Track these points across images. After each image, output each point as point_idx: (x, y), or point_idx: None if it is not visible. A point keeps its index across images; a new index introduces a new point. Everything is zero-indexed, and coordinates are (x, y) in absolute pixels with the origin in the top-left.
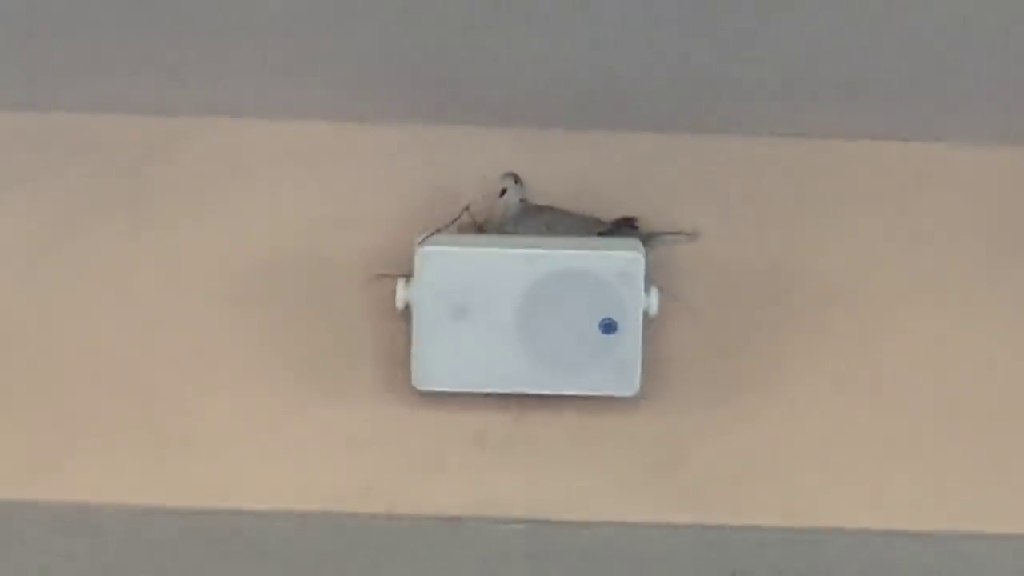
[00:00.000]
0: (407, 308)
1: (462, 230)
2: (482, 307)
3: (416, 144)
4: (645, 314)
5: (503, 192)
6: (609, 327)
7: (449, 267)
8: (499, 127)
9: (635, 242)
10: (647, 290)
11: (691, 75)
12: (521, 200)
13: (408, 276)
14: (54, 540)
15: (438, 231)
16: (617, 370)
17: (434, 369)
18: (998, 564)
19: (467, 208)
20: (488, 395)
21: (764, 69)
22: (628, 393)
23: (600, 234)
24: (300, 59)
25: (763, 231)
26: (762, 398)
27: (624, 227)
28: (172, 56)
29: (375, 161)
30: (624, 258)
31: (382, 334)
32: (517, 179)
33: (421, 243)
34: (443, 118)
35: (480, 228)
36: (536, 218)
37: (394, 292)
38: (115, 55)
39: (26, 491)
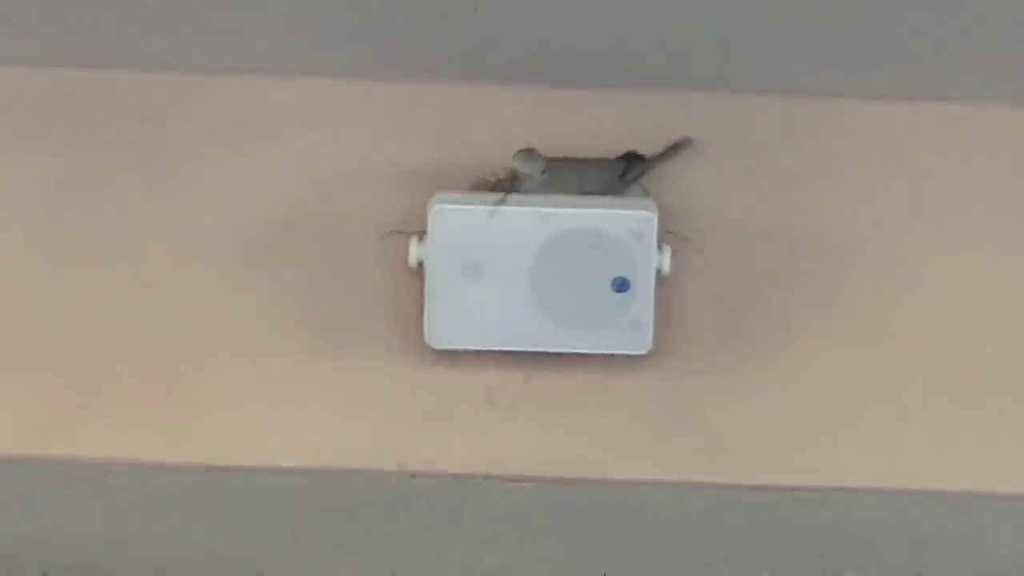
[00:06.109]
0: (420, 266)
1: (476, 189)
2: (495, 265)
3: (430, 102)
4: (658, 272)
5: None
6: (622, 285)
7: (462, 225)
8: (513, 85)
9: (648, 201)
10: (660, 248)
11: (706, 33)
12: (543, 169)
13: (421, 234)
14: (68, 496)
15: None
16: (630, 328)
17: (447, 327)
18: (1012, 524)
19: (499, 180)
20: (500, 353)
21: (780, 27)
22: (641, 351)
23: (621, 175)
24: (315, 16)
25: (777, 190)
26: (776, 357)
27: (634, 160)
28: (187, 12)
29: (389, 119)
30: (637, 216)
31: (395, 292)
32: (530, 154)
33: (434, 201)
34: (457, 76)
35: (494, 187)
36: (561, 175)
37: (407, 250)
38: (130, 11)
39: (40, 448)
